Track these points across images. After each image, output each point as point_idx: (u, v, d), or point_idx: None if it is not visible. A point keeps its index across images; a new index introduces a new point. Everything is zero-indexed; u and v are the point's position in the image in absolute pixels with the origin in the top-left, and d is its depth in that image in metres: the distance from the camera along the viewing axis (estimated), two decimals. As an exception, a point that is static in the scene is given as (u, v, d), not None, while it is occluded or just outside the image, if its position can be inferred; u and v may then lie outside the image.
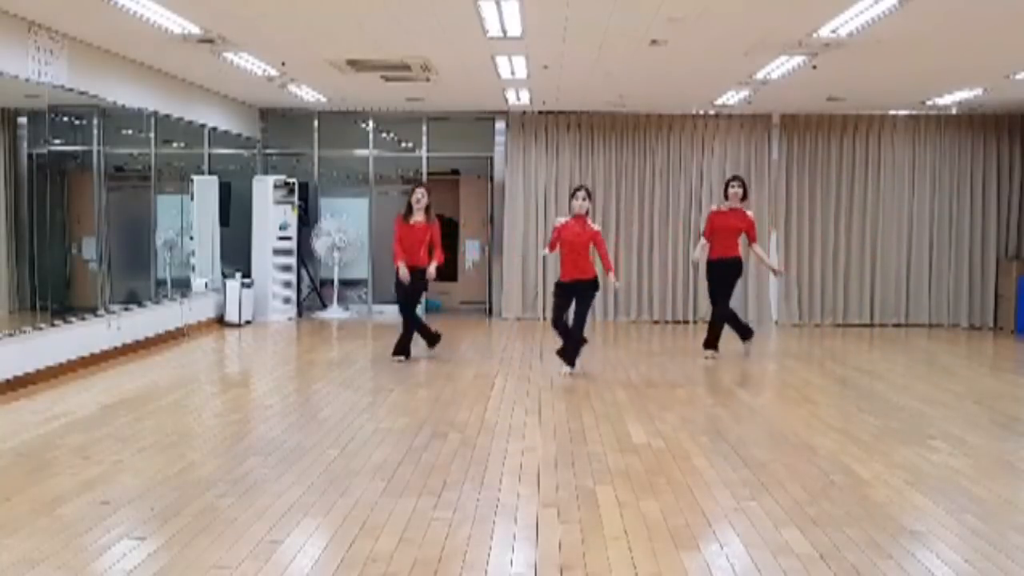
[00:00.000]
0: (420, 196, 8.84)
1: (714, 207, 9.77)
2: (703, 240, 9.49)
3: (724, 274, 9.29)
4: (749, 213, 9.40)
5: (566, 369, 8.33)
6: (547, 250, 8.57)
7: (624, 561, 3.89)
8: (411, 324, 9.04)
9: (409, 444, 5.80)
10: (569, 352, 8.37)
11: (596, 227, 8.32)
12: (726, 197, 9.44)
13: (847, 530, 4.28)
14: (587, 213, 8.24)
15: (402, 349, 8.99)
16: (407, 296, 8.90)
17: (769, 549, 4.04)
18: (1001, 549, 4.10)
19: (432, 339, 9.22)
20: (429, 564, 3.81)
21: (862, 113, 12.62)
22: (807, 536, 4.20)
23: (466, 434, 6.11)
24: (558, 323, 8.37)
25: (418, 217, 8.83)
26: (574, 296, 8.27)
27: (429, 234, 8.82)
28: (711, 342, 9.49)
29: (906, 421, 6.75)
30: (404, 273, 8.69)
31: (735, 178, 9.58)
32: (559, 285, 8.38)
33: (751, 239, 9.30)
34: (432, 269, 8.84)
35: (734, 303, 9.69)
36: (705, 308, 12.62)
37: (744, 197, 9.39)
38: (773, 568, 3.83)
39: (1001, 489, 5.05)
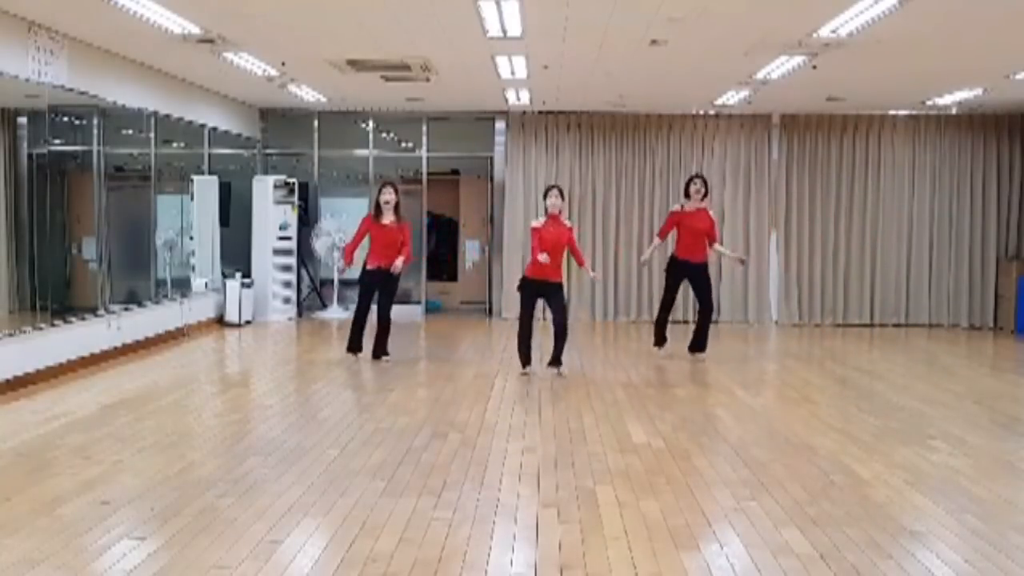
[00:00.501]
0: (389, 196, 8.61)
1: (677, 206, 9.36)
2: (657, 241, 9.50)
3: (689, 274, 9.17)
4: (711, 213, 9.25)
5: (555, 370, 8.26)
6: (542, 255, 8.03)
7: (624, 561, 3.89)
8: (387, 324, 8.85)
9: (409, 444, 5.80)
10: (559, 354, 8.25)
11: (569, 224, 8.34)
12: (687, 196, 9.19)
13: (847, 530, 4.28)
14: (560, 212, 8.17)
15: (379, 349, 8.89)
16: (383, 295, 8.73)
17: (769, 549, 4.04)
18: (1001, 549, 4.10)
19: (382, 350, 8.91)
20: (429, 564, 3.81)
21: (862, 113, 12.62)
22: (807, 536, 4.20)
23: (466, 434, 6.11)
24: (527, 335, 8.25)
25: (389, 217, 8.65)
26: (542, 297, 8.26)
27: (402, 236, 8.65)
28: (700, 344, 9.37)
29: (906, 421, 6.75)
30: (342, 266, 8.86)
31: (697, 176, 9.38)
32: (528, 281, 8.22)
33: (711, 239, 9.16)
34: (399, 263, 8.60)
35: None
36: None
37: (706, 195, 9.20)
38: (773, 568, 3.83)
39: (1001, 489, 5.05)
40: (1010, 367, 10.02)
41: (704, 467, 5.40)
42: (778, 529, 4.30)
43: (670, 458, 5.57)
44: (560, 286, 8.27)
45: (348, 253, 8.91)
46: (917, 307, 12.75)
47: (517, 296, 12.89)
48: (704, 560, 3.92)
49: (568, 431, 6.25)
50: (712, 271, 10.21)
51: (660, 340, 9.56)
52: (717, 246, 9.32)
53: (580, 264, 8.51)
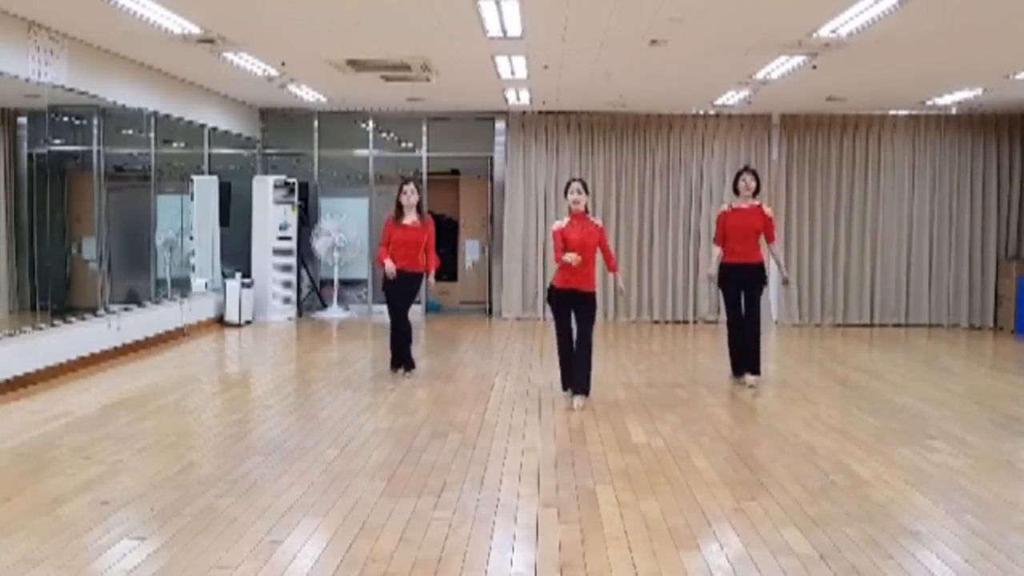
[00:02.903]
0: (410, 193, 8.02)
1: (724, 206, 8.31)
2: (717, 249, 8.14)
3: (743, 281, 8.01)
4: (767, 209, 8.14)
5: (579, 401, 7.04)
6: (559, 258, 7.01)
7: (624, 561, 3.88)
8: (407, 330, 8.24)
9: (409, 444, 5.80)
10: (582, 380, 7.08)
11: (598, 222, 7.27)
12: (736, 192, 8.11)
13: (847, 530, 4.28)
14: (586, 208, 7.14)
15: (404, 360, 8.27)
16: (402, 299, 8.08)
17: (769, 549, 4.04)
18: (1001, 549, 4.09)
19: (408, 363, 8.30)
20: (429, 564, 3.81)
21: (862, 113, 12.62)
22: (807, 536, 4.20)
23: (466, 434, 6.11)
24: (566, 350, 7.19)
25: (411, 217, 8.04)
26: (573, 309, 7.09)
27: (425, 236, 8.01)
28: (753, 364, 8.10)
29: (906, 421, 6.75)
30: (391, 267, 7.91)
31: (746, 169, 8.20)
32: (556, 292, 7.09)
33: (769, 238, 8.05)
34: (432, 279, 8.21)
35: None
36: (707, 308, 12.70)
37: (757, 190, 8.09)
38: (773, 568, 3.82)
39: (1001, 489, 5.05)
40: (1010, 367, 10.02)
41: (704, 467, 5.39)
42: (778, 529, 4.30)
43: (670, 458, 5.57)
44: (592, 296, 7.09)
45: (380, 262, 8.11)
46: (917, 307, 12.75)
47: (517, 296, 13.15)
48: (704, 560, 3.92)
49: (568, 431, 6.25)
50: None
51: (737, 367, 8.24)
52: (775, 247, 8.20)
53: (612, 270, 7.28)
